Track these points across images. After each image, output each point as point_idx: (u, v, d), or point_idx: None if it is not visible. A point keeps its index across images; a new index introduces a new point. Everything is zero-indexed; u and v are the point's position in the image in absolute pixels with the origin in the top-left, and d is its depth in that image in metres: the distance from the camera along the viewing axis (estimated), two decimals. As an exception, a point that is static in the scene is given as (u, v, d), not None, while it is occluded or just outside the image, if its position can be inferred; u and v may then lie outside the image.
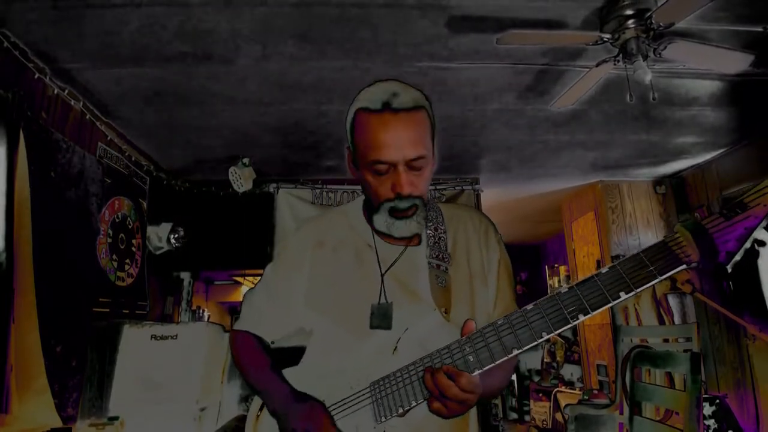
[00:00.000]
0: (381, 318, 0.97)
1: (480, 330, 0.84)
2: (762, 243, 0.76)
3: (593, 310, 0.80)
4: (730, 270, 0.77)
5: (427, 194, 1.02)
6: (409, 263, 1.03)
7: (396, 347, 0.92)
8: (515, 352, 0.82)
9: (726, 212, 0.78)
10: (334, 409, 0.93)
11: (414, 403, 0.86)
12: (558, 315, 0.81)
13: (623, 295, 0.79)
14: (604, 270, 0.81)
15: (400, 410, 0.87)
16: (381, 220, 0.99)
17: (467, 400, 0.82)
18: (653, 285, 0.79)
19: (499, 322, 0.84)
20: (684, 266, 0.78)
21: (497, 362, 0.82)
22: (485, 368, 0.83)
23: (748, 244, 0.76)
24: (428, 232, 1.06)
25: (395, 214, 0.97)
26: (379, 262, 1.03)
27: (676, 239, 0.79)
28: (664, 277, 0.78)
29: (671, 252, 0.78)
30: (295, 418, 0.91)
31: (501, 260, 1.07)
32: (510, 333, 0.82)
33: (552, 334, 0.81)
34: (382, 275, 1.01)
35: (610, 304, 0.79)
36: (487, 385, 0.89)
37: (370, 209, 1.04)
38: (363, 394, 0.91)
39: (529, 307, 0.83)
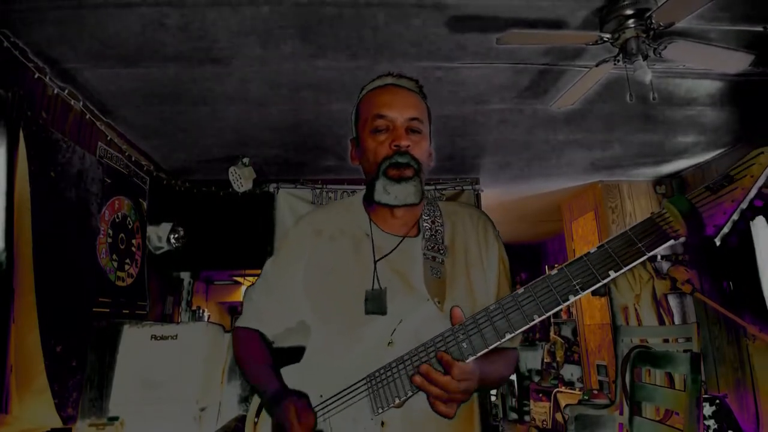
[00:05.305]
0: (375, 303, 0.97)
1: (473, 316, 0.85)
2: (751, 215, 0.76)
3: (583, 290, 0.80)
4: (718, 242, 0.77)
5: (425, 167, 1.06)
6: (405, 253, 1.04)
7: (391, 339, 0.93)
8: (507, 336, 0.82)
9: (712, 186, 0.78)
10: (330, 403, 0.93)
11: (410, 393, 0.86)
12: (549, 297, 0.81)
13: (612, 274, 0.79)
14: (593, 250, 0.81)
15: (397, 401, 0.87)
16: (379, 186, 1.02)
17: (468, 389, 0.83)
18: (642, 262, 0.80)
19: (491, 308, 0.84)
20: (672, 241, 0.78)
21: (490, 347, 0.83)
22: (478, 354, 0.83)
23: (735, 216, 0.76)
24: (425, 224, 1.07)
25: (393, 173, 1.01)
26: (373, 249, 1.04)
27: (663, 215, 0.80)
28: (652, 253, 0.79)
29: (659, 228, 0.79)
30: (277, 416, 0.92)
31: (500, 257, 1.08)
32: (502, 317, 0.82)
33: (543, 317, 0.81)
34: (375, 262, 1.02)
35: (599, 284, 0.80)
36: (487, 373, 0.89)
37: (369, 196, 1.06)
38: (359, 387, 0.91)
39: (520, 290, 0.83)
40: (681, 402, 1.92)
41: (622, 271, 0.79)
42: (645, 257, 0.79)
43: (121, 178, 3.03)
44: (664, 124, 3.24)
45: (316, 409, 0.92)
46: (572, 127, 3.26)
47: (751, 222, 0.78)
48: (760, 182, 0.76)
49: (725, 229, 0.76)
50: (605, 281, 0.79)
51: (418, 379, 0.82)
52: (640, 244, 0.79)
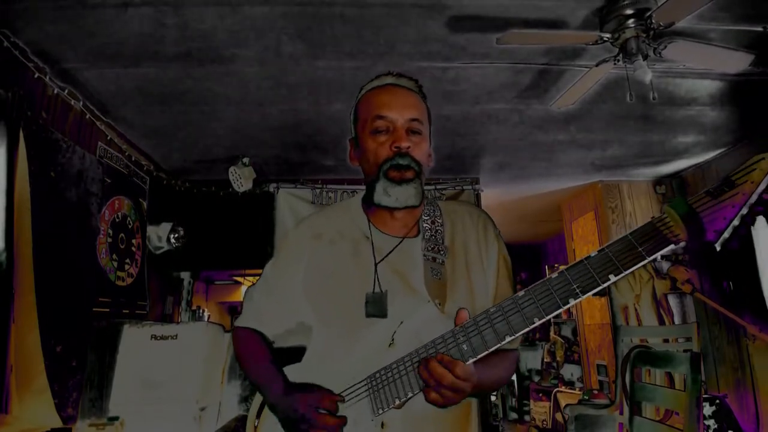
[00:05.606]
0: (376, 306, 0.97)
1: (473, 318, 0.85)
2: (751, 220, 0.76)
3: (583, 293, 0.80)
4: (718, 248, 0.77)
5: (425, 168, 1.05)
6: (405, 254, 1.03)
7: (393, 340, 0.93)
8: (508, 338, 0.82)
9: (713, 191, 0.78)
10: None
11: (410, 394, 0.86)
12: (549, 300, 0.81)
13: (612, 278, 0.79)
14: (593, 254, 0.81)
15: (397, 402, 0.87)
16: (380, 188, 1.01)
17: (462, 389, 0.82)
18: (642, 266, 0.80)
19: (491, 310, 0.84)
20: (672, 245, 0.78)
21: (490, 349, 0.83)
22: (479, 356, 0.83)
23: (736, 221, 0.76)
24: (425, 225, 1.06)
25: (393, 174, 1.00)
26: (374, 251, 1.04)
27: (663, 220, 0.80)
28: (652, 257, 0.79)
29: (659, 232, 0.79)
30: (296, 403, 0.91)
31: (500, 255, 1.07)
32: (502, 320, 0.82)
33: (543, 320, 0.81)
34: (376, 264, 1.02)
35: (599, 287, 0.80)
36: (485, 377, 0.89)
37: (369, 198, 1.06)
38: (360, 388, 0.91)
39: (521, 293, 0.83)
40: (681, 402, 1.92)
41: (623, 275, 0.79)
42: (645, 261, 0.79)
43: (121, 178, 3.03)
44: (664, 124, 3.24)
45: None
46: (572, 127, 3.26)
47: (751, 226, 0.77)
48: (761, 188, 0.76)
49: (726, 235, 0.76)
50: (605, 285, 0.79)
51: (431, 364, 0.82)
52: (640, 249, 0.79)
